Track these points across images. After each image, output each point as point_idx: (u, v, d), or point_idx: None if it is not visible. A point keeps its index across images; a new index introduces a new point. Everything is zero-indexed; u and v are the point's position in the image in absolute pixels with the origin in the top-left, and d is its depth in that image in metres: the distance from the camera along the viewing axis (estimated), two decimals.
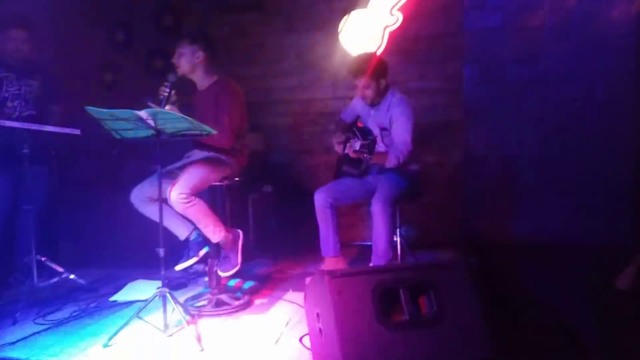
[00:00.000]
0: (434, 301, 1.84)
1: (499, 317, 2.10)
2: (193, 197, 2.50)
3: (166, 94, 2.50)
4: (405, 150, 2.78)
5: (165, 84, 2.53)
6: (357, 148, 2.61)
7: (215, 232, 2.62)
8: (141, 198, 2.62)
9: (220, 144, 2.64)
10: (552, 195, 3.84)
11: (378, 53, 3.55)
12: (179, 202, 2.46)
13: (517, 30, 3.85)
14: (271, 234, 3.94)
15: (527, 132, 3.89)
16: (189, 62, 2.68)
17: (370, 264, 2.79)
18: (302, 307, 2.51)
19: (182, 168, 2.67)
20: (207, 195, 2.73)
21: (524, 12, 3.84)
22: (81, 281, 2.98)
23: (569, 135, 3.79)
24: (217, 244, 2.68)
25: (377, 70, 2.88)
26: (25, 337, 2.33)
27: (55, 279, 2.88)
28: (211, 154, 2.69)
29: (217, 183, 2.72)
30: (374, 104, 2.98)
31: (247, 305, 2.67)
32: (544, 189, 3.87)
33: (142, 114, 2.14)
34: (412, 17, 3.87)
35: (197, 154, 2.73)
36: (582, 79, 3.74)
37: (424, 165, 3.08)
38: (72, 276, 2.94)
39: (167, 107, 2.47)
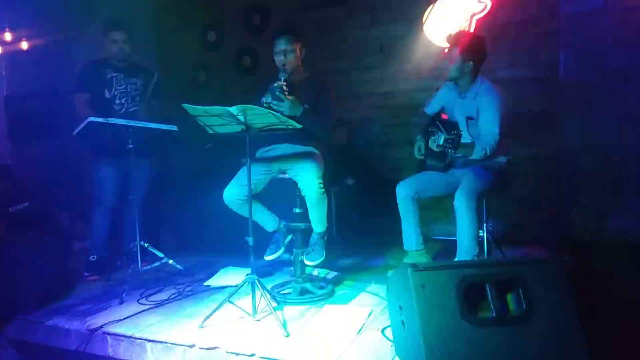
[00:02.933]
0: (523, 299, 1.76)
1: (595, 319, 1.97)
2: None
3: (286, 88, 2.60)
4: (493, 141, 2.66)
5: (283, 78, 2.62)
6: (441, 143, 2.54)
7: (324, 223, 2.74)
8: (241, 198, 2.62)
9: (329, 136, 2.80)
10: None
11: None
12: (318, 190, 2.59)
13: (620, 12, 3.53)
14: (353, 226, 3.98)
15: (633, 122, 3.56)
16: (296, 58, 2.78)
17: (455, 259, 2.73)
18: (383, 299, 2.54)
19: (273, 160, 2.77)
20: (289, 186, 2.81)
21: None
22: (179, 266, 3.17)
23: None
24: (305, 235, 2.76)
25: (467, 46, 2.78)
26: (131, 316, 2.52)
27: (157, 264, 3.08)
28: (309, 148, 2.78)
29: None
30: (460, 90, 2.89)
31: (330, 294, 2.72)
32: None
33: (233, 110, 2.26)
34: (501, 3, 3.70)
35: (291, 147, 2.81)
36: None
37: (513, 157, 2.95)
38: (171, 261, 3.13)
39: (291, 98, 2.60)
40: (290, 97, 2.59)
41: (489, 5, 3.68)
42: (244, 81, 4.64)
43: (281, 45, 2.74)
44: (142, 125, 2.90)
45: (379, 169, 4.34)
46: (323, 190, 2.62)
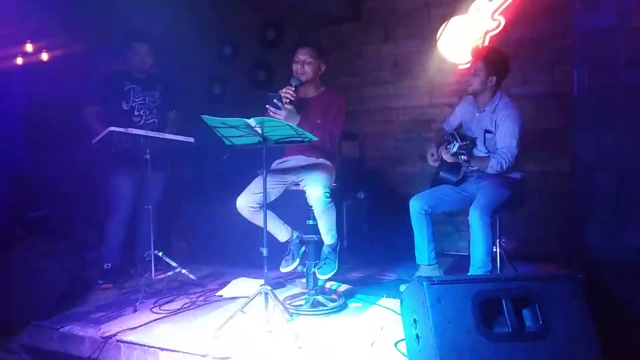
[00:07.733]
0: (540, 315, 1.77)
1: (610, 338, 1.95)
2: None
3: (292, 97, 2.61)
4: (510, 155, 2.67)
5: (291, 87, 2.65)
6: (455, 150, 2.54)
7: (334, 235, 2.73)
8: (253, 206, 2.65)
9: (334, 150, 2.81)
10: None
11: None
12: (324, 200, 2.55)
13: (635, 30, 3.54)
14: (364, 239, 3.98)
15: None
16: (314, 71, 2.81)
17: (468, 274, 2.72)
18: (396, 313, 2.53)
19: (287, 172, 2.80)
20: (302, 198, 2.82)
21: None
22: (191, 276, 3.18)
23: None
24: (317, 247, 2.77)
25: (492, 61, 2.81)
26: (144, 324, 2.54)
27: (170, 273, 3.10)
28: (321, 160, 2.81)
29: None
30: (479, 105, 2.91)
31: (342, 307, 2.72)
32: None
33: (251, 122, 2.29)
34: (515, 20, 3.73)
35: (304, 160, 2.84)
36: None
37: (526, 174, 2.95)
38: (184, 271, 3.14)
39: (289, 107, 2.60)
40: (288, 107, 2.60)
41: (503, 22, 3.71)
42: (259, 94, 4.70)
43: (300, 55, 2.79)
44: (160, 136, 2.94)
45: (390, 183, 4.36)
46: (329, 200, 2.59)
